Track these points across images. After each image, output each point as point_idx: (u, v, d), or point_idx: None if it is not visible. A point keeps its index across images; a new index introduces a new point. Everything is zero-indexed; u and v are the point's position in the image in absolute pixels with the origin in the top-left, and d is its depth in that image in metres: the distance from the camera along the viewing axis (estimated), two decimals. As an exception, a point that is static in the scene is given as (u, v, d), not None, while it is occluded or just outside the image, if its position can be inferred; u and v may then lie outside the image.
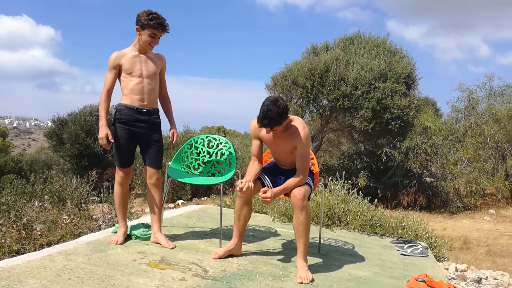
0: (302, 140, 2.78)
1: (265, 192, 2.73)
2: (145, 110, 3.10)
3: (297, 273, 2.76)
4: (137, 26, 3.03)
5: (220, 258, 2.97)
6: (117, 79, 3.12)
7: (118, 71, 3.08)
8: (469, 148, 13.53)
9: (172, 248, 3.12)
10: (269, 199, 2.72)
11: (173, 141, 3.33)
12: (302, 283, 2.66)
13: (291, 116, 2.89)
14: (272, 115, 2.63)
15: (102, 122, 3.04)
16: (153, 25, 2.98)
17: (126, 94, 3.09)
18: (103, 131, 3.02)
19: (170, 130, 3.38)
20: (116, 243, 3.13)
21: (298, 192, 2.75)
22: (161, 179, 3.26)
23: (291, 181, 2.80)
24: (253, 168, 2.95)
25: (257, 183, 2.98)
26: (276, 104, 2.64)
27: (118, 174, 3.19)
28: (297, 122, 2.85)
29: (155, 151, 3.17)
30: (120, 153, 3.13)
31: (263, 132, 2.88)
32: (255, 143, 2.98)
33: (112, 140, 3.05)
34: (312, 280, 2.71)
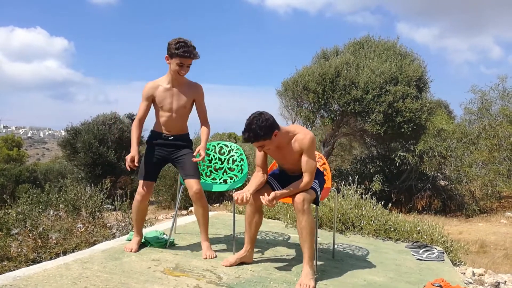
0: (306, 144, 2.77)
1: (271, 199, 2.70)
2: (171, 137, 3.18)
3: (299, 279, 2.70)
4: (166, 55, 3.05)
5: (231, 265, 2.97)
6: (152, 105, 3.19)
7: (151, 101, 3.15)
8: (483, 150, 13.31)
9: (209, 258, 3.11)
10: (272, 204, 2.71)
11: (198, 158, 3.11)
12: None
13: (293, 126, 2.90)
14: (255, 128, 2.62)
15: (132, 148, 3.04)
16: (180, 53, 2.97)
17: (157, 122, 3.21)
18: (131, 154, 3.01)
19: (198, 147, 3.18)
20: (131, 251, 3.15)
21: (297, 196, 2.73)
22: (201, 189, 3.12)
23: (296, 184, 2.78)
24: (256, 178, 2.92)
25: (268, 188, 2.96)
26: (260, 118, 2.64)
27: (139, 189, 3.16)
28: (300, 129, 2.84)
29: (187, 163, 3.15)
30: (146, 167, 3.16)
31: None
32: (260, 154, 2.96)
33: (136, 165, 3.01)
34: None
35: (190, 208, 12.54)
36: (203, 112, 3.26)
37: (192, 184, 3.09)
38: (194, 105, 3.24)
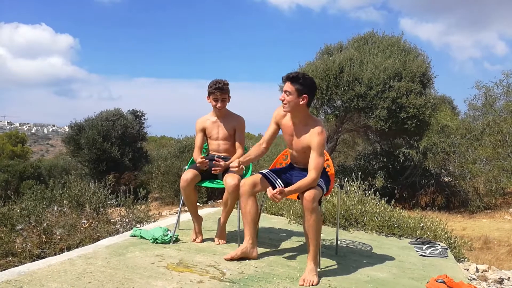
0: (315, 141, 2.79)
1: (277, 192, 2.67)
2: (220, 157, 3.48)
3: (303, 275, 2.72)
4: (207, 96, 3.48)
5: (232, 259, 2.96)
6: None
7: (204, 131, 3.59)
8: (487, 147, 13.25)
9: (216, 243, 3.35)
10: (278, 198, 2.67)
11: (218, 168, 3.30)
12: (303, 285, 2.62)
13: (317, 119, 2.95)
14: (300, 74, 2.81)
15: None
16: (211, 91, 3.42)
17: (208, 148, 3.65)
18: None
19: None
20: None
21: (307, 194, 2.70)
22: (235, 184, 3.18)
23: (303, 182, 2.75)
24: (256, 149, 3.05)
25: (264, 182, 2.97)
26: (308, 75, 2.87)
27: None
28: (319, 125, 2.86)
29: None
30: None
31: (286, 119, 2.94)
32: (272, 128, 3.07)
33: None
34: (315, 285, 2.65)
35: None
36: (241, 142, 3.54)
37: (229, 177, 3.24)
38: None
